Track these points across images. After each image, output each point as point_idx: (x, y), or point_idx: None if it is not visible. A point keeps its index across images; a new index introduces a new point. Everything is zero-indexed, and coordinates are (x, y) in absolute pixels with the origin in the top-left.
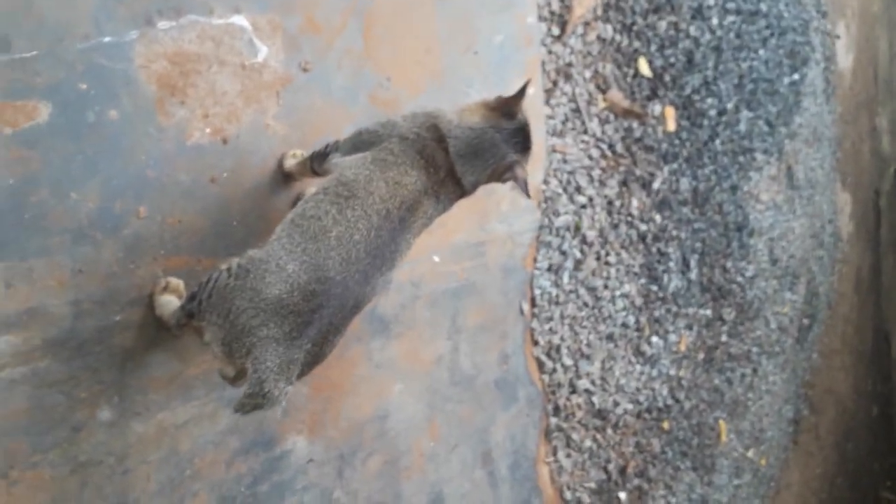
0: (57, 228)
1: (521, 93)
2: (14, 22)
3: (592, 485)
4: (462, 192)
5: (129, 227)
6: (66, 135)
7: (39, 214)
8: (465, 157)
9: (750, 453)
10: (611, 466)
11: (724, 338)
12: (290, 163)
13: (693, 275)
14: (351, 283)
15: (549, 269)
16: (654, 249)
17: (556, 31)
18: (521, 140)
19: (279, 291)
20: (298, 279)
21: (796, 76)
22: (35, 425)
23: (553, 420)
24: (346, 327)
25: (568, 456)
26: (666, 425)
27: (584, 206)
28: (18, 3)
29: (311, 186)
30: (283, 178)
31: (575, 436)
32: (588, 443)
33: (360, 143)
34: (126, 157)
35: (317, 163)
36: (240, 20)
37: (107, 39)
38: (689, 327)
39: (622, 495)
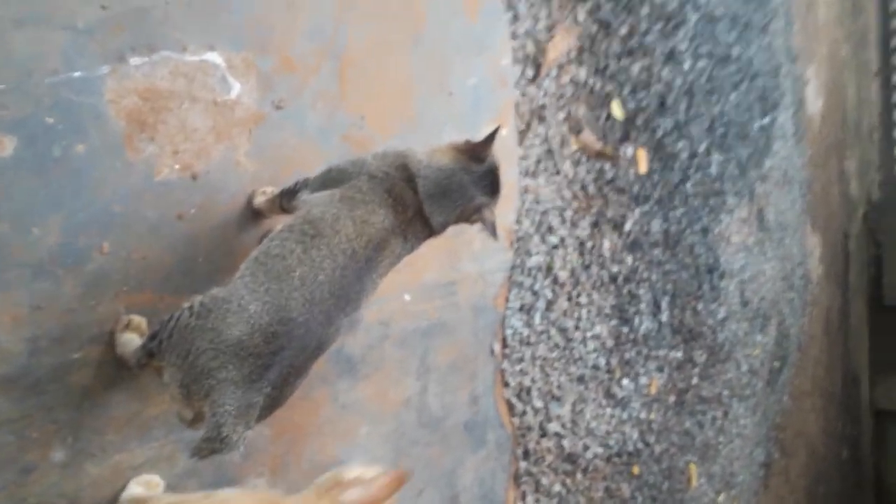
0: (15, 262)
1: (492, 137)
2: None
3: None
4: (430, 231)
5: (91, 262)
6: (31, 169)
7: None
8: (433, 196)
9: (721, 498)
10: None
11: (694, 380)
12: (259, 200)
13: (664, 317)
14: (314, 324)
15: (521, 309)
16: (625, 291)
17: (530, 73)
18: (490, 183)
19: (240, 333)
20: (260, 320)
21: (767, 120)
22: None
23: (522, 464)
24: (309, 369)
25: (537, 501)
26: (636, 470)
27: (555, 247)
28: None
29: (279, 224)
30: (252, 214)
31: (544, 480)
32: (557, 487)
33: (328, 180)
34: (92, 192)
35: (286, 199)
36: (213, 57)
37: (77, 74)
38: (660, 369)
39: None
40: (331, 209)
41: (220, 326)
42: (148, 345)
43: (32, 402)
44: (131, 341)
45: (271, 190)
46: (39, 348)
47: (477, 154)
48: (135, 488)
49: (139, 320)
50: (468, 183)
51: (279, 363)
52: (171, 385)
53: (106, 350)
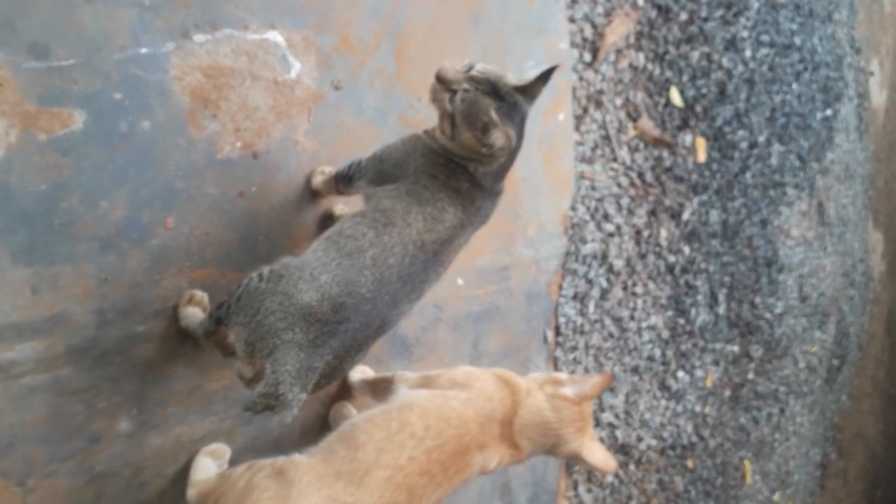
0: (85, 236)
1: (546, 75)
2: (55, 30)
3: None
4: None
5: (155, 237)
6: (99, 143)
7: (69, 221)
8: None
9: (776, 496)
10: (632, 503)
11: (750, 375)
12: (317, 180)
13: (721, 309)
14: (380, 303)
15: (575, 297)
16: (681, 282)
17: (587, 57)
18: (512, 113)
19: (309, 299)
20: (330, 290)
21: (829, 111)
22: (53, 434)
23: None
24: (369, 347)
25: (589, 491)
26: (690, 463)
27: (611, 235)
28: (60, 13)
29: (339, 204)
30: (311, 194)
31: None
32: (610, 478)
33: (383, 173)
34: (156, 167)
35: (342, 184)
36: (274, 36)
37: (143, 50)
38: (716, 363)
39: None
40: (400, 202)
41: (291, 291)
42: (215, 312)
43: (100, 372)
44: (195, 314)
45: (329, 170)
46: (107, 321)
47: (527, 91)
48: (203, 460)
49: (201, 295)
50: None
51: (343, 334)
52: (237, 343)
53: (169, 324)
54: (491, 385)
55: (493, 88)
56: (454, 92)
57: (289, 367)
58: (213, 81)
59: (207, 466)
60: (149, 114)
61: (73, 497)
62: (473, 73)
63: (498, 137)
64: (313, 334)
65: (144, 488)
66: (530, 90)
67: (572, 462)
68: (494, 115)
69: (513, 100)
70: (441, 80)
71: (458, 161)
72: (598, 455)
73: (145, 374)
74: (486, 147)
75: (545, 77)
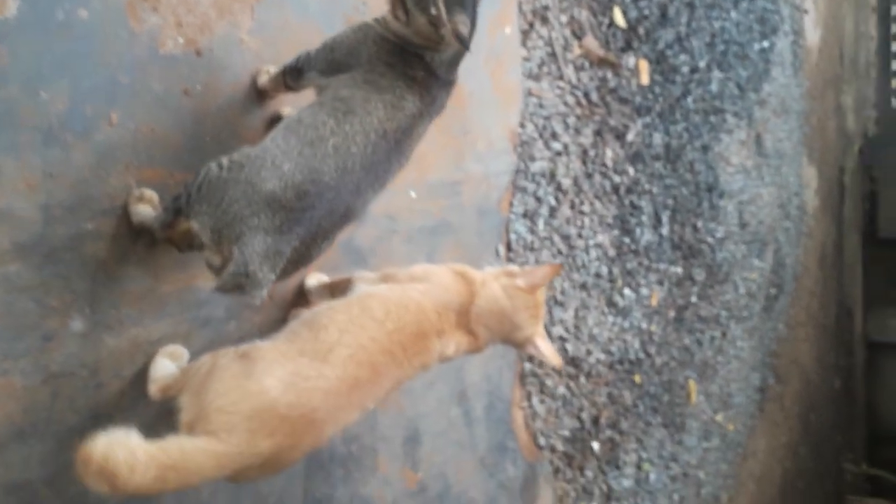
0: (27, 126)
1: None
2: None
3: (566, 432)
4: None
5: (100, 132)
6: (35, 31)
7: (8, 110)
8: None
9: (719, 417)
10: (584, 415)
11: (693, 298)
12: (263, 79)
13: (664, 230)
14: (344, 191)
15: (525, 214)
16: (626, 202)
17: None
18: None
19: (273, 186)
20: (293, 178)
21: (766, 43)
22: (5, 331)
23: (527, 365)
24: (335, 236)
25: (542, 402)
26: (637, 379)
27: (559, 154)
28: None
29: (286, 106)
30: (258, 95)
31: (549, 382)
32: (561, 390)
33: (335, 61)
34: (97, 59)
35: (290, 78)
36: None
37: None
38: (661, 283)
39: (595, 445)
40: (358, 91)
41: (254, 179)
42: (173, 204)
43: (49, 270)
44: (146, 211)
45: (274, 69)
46: (54, 217)
47: None
48: (162, 360)
49: (151, 193)
50: None
51: (308, 220)
52: (202, 232)
53: (119, 223)
54: (447, 277)
55: None
56: None
57: (257, 249)
58: None
59: (166, 366)
60: (86, 3)
61: (29, 396)
62: None
63: (454, 29)
64: (279, 221)
65: (101, 389)
66: None
67: (524, 356)
68: (442, 4)
69: None
70: None
71: (413, 49)
72: (548, 349)
73: (96, 273)
74: (442, 31)
75: None
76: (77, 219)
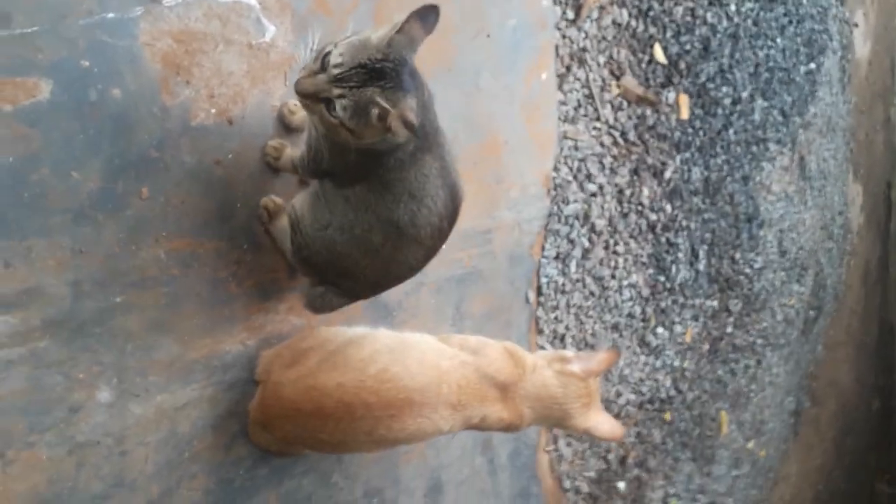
0: (57, 208)
1: (420, 14)
2: None
3: (592, 474)
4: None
5: (131, 207)
6: (68, 113)
7: (40, 193)
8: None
9: (750, 444)
10: (610, 456)
11: (729, 329)
12: (281, 161)
13: (701, 265)
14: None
15: (557, 257)
16: (663, 239)
17: (570, 14)
18: (400, 80)
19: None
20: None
21: (813, 65)
22: (32, 406)
23: None
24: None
25: (568, 445)
26: (668, 416)
27: (594, 195)
28: None
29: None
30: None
31: None
32: None
33: (347, 167)
34: (129, 136)
35: (307, 174)
36: None
37: (110, 15)
38: (696, 318)
39: (621, 485)
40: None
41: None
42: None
43: (78, 344)
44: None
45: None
46: (83, 292)
47: (400, 41)
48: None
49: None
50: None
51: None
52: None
53: (147, 294)
54: (497, 353)
55: (364, 71)
56: (328, 101)
57: None
58: (185, 47)
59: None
60: (119, 81)
61: (54, 467)
62: (334, 70)
63: (401, 119)
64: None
65: (126, 456)
66: (407, 35)
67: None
68: (384, 102)
69: (391, 65)
70: (305, 96)
71: (384, 147)
72: (605, 427)
73: (124, 345)
74: (393, 133)
75: (422, 15)
76: (106, 293)
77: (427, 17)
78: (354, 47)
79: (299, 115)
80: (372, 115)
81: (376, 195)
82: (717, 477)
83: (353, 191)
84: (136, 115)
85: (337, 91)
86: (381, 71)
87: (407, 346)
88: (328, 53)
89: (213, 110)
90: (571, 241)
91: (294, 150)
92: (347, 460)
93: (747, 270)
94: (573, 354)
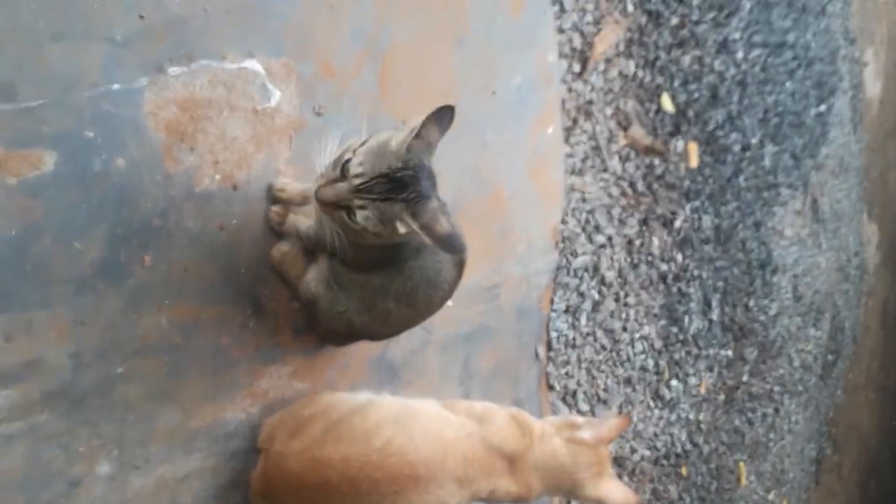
0: (59, 279)
1: (436, 118)
2: (21, 70)
3: None
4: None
5: (133, 276)
6: (71, 184)
7: (41, 265)
8: None
9: (771, 495)
10: None
11: (745, 378)
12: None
13: (714, 315)
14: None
15: (567, 310)
16: (674, 290)
17: (576, 68)
18: (422, 191)
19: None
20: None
21: (823, 107)
22: (31, 480)
23: None
24: None
25: None
26: (684, 471)
27: (603, 246)
28: (27, 52)
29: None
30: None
31: None
32: None
33: (363, 260)
34: (132, 205)
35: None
36: (253, 65)
37: (115, 87)
38: (710, 369)
39: None
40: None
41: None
42: None
43: (77, 417)
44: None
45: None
46: (83, 363)
47: (419, 146)
48: None
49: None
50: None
51: None
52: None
53: (148, 363)
54: (503, 421)
55: (387, 182)
56: (348, 209)
57: None
58: (189, 114)
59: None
60: (123, 151)
61: None
62: (356, 180)
63: (429, 231)
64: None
65: None
66: (424, 140)
67: None
68: (413, 223)
69: (411, 173)
70: (327, 205)
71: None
72: (618, 495)
73: (125, 416)
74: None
75: (438, 118)
76: (107, 363)
77: (442, 118)
78: (374, 154)
79: (288, 191)
80: (398, 227)
81: (394, 282)
82: None
83: (368, 278)
84: (139, 184)
85: (359, 202)
86: (402, 181)
87: (412, 415)
88: (347, 161)
89: (218, 176)
90: (581, 294)
91: (299, 217)
92: None
93: (762, 317)
94: (583, 420)
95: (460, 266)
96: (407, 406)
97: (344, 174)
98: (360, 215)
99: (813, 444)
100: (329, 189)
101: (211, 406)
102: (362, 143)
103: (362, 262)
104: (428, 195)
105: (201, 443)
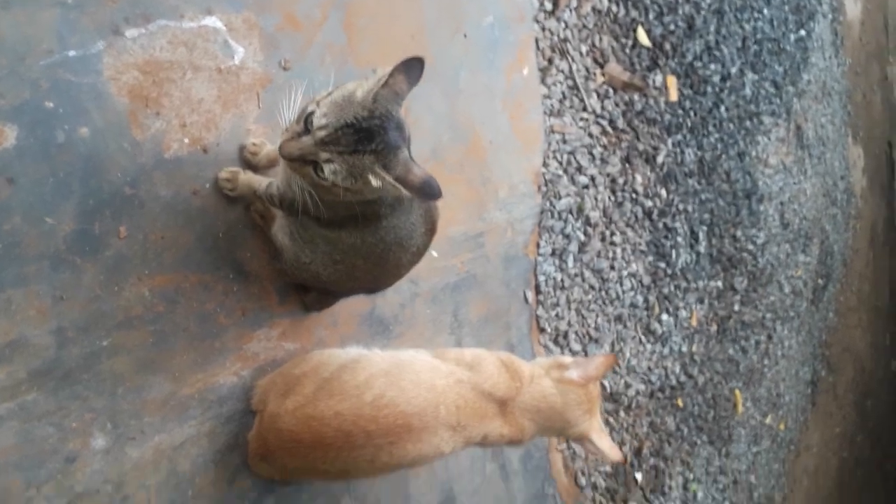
0: (33, 256)
1: (404, 68)
2: None
3: (607, 468)
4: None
5: (109, 248)
6: (36, 157)
7: (13, 243)
8: None
9: (768, 419)
10: (625, 448)
11: (736, 307)
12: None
13: (702, 247)
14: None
15: (553, 253)
16: (660, 225)
17: (548, 5)
18: (392, 140)
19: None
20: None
21: (803, 32)
22: (26, 460)
23: None
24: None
25: None
26: (680, 402)
27: (586, 187)
28: None
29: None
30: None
31: None
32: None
33: (336, 217)
34: (101, 175)
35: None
36: (213, 21)
37: (72, 53)
38: (700, 301)
39: (638, 476)
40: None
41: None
42: None
43: (66, 392)
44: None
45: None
46: (67, 339)
47: (386, 96)
48: None
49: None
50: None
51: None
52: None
53: (135, 334)
54: (493, 367)
55: (353, 133)
56: (315, 164)
57: None
58: (151, 77)
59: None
60: (86, 120)
61: None
62: (319, 132)
63: (405, 182)
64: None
65: (128, 501)
66: (392, 89)
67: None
68: (386, 175)
69: (378, 122)
70: (292, 160)
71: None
72: (606, 442)
73: (115, 388)
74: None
75: (407, 68)
76: (91, 337)
77: (411, 69)
78: (338, 105)
79: (262, 152)
80: (370, 179)
81: (366, 241)
82: (736, 455)
83: (340, 235)
84: (106, 153)
85: (324, 155)
86: (369, 131)
87: (402, 367)
88: (311, 113)
89: (187, 140)
90: (567, 236)
91: (253, 178)
92: (355, 482)
93: (750, 247)
94: (570, 360)
95: (430, 233)
96: (397, 358)
97: (308, 127)
98: (328, 169)
99: (807, 367)
100: (293, 143)
101: (201, 373)
102: (327, 95)
103: (336, 219)
104: (397, 145)
105: (195, 409)
